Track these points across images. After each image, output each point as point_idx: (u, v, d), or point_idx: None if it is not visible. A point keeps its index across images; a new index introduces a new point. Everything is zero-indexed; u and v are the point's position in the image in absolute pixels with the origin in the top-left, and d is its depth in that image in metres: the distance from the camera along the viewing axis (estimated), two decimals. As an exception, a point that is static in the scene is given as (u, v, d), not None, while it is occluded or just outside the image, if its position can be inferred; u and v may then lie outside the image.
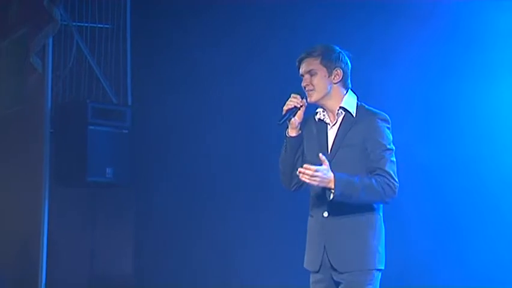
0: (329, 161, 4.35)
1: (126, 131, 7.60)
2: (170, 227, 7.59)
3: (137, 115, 7.69)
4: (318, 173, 4.22)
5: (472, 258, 6.37)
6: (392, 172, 4.34)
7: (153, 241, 7.73)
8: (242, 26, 7.21)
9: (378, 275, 4.40)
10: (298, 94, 4.45)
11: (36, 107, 7.48)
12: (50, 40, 7.49)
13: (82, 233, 7.84)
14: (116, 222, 7.90)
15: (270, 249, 7.04)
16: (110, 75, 7.88)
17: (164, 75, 7.71)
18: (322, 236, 4.41)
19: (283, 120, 4.44)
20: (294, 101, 4.44)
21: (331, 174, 4.24)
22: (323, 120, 4.51)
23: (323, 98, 4.46)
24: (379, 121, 4.41)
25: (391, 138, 4.42)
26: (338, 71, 4.45)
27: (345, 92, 4.49)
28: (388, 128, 4.43)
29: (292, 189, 4.56)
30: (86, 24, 7.86)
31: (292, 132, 4.51)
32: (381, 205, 4.45)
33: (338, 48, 4.50)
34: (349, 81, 4.51)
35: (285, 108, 4.45)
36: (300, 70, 4.49)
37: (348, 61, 4.50)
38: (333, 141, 4.45)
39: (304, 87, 4.47)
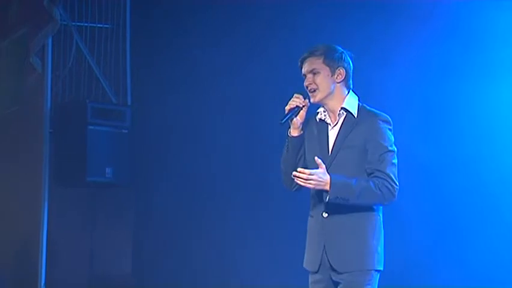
0: (329, 162, 4.37)
1: (126, 131, 7.59)
2: (170, 227, 7.59)
3: (137, 115, 7.69)
4: (313, 176, 4.24)
5: (472, 258, 6.38)
6: (392, 175, 4.34)
7: (153, 241, 7.73)
8: (242, 26, 7.20)
9: (377, 275, 4.40)
10: (301, 94, 4.45)
11: (35, 107, 7.47)
12: (50, 40, 7.48)
13: (82, 233, 7.83)
14: (116, 222, 7.89)
15: (269, 249, 7.04)
16: (109, 75, 7.87)
17: (164, 75, 7.71)
18: (322, 236, 4.41)
19: (285, 119, 4.43)
20: (296, 100, 4.43)
21: (327, 177, 4.26)
22: (324, 120, 4.51)
23: (326, 97, 4.46)
24: (381, 122, 4.41)
25: (393, 139, 4.42)
26: (341, 70, 4.45)
27: (346, 93, 4.49)
28: (390, 129, 4.43)
29: (294, 189, 4.54)
30: (85, 24, 7.85)
31: (294, 132, 4.50)
32: (381, 206, 4.46)
33: (340, 47, 4.50)
34: (351, 81, 4.51)
35: (287, 108, 4.44)
36: (303, 70, 4.49)
37: (350, 61, 4.50)
38: (334, 142, 4.45)
39: (307, 87, 4.46)
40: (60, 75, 7.74)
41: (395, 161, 4.38)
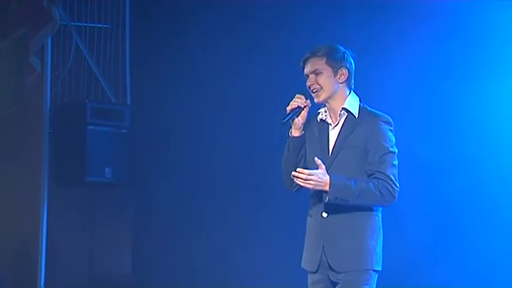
0: (329, 162, 4.37)
1: (125, 131, 7.59)
2: (170, 227, 7.58)
3: (136, 115, 7.68)
4: (312, 177, 4.25)
5: (471, 258, 6.38)
6: (392, 176, 4.34)
7: (152, 241, 7.72)
8: (242, 26, 7.20)
9: (375, 276, 4.40)
10: (302, 94, 4.44)
11: (35, 107, 7.47)
12: (49, 40, 7.48)
13: (81, 232, 7.82)
14: (116, 222, 7.89)
15: (269, 249, 7.04)
16: (109, 75, 7.87)
17: (163, 75, 7.71)
18: (321, 236, 4.41)
19: (286, 119, 4.43)
20: (298, 101, 4.43)
21: (327, 178, 4.26)
22: (325, 120, 4.51)
23: (329, 97, 4.46)
24: (382, 123, 4.41)
25: (394, 140, 4.42)
26: (343, 70, 4.45)
27: (348, 93, 4.49)
28: (391, 130, 4.43)
29: (294, 190, 4.54)
30: (85, 24, 7.85)
31: (295, 133, 4.50)
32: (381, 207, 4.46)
33: (342, 48, 4.50)
34: (353, 81, 4.51)
35: (289, 108, 4.44)
36: (305, 70, 4.48)
37: (352, 61, 4.50)
38: (335, 143, 4.44)
39: (310, 87, 4.46)
40: (59, 75, 7.74)
41: (396, 162, 4.38)
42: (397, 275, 6.16)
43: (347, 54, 4.48)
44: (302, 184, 4.28)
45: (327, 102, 4.49)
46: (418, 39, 6.66)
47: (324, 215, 4.40)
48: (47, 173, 7.40)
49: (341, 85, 4.46)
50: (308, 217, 4.54)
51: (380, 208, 4.44)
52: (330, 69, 4.43)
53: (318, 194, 4.39)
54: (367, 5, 6.77)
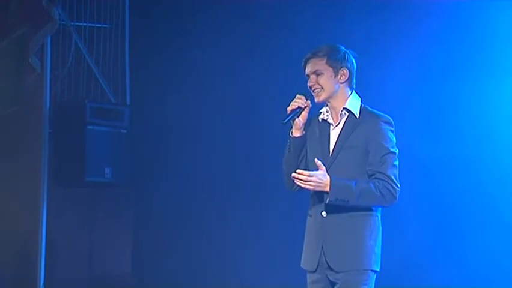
0: (330, 162, 4.37)
1: (124, 131, 7.59)
2: (170, 227, 7.58)
3: (136, 115, 7.68)
4: (312, 178, 4.25)
5: (471, 258, 6.40)
6: (393, 176, 4.34)
7: (152, 241, 7.72)
8: (242, 26, 7.20)
9: (374, 276, 4.40)
10: (303, 95, 4.45)
11: (34, 107, 7.45)
12: (49, 40, 7.46)
13: (81, 233, 7.81)
14: (115, 222, 7.88)
15: (269, 249, 7.04)
16: (108, 75, 7.86)
17: (163, 75, 7.70)
18: (320, 236, 4.41)
19: (287, 119, 4.43)
20: (298, 101, 4.43)
21: (327, 179, 4.27)
22: (326, 120, 4.51)
23: (330, 97, 4.46)
24: (382, 124, 4.41)
25: (394, 141, 4.42)
26: (344, 70, 4.45)
27: (349, 93, 4.49)
28: (391, 130, 4.43)
29: (295, 190, 4.54)
30: (84, 24, 7.83)
31: (296, 133, 4.50)
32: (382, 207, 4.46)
33: (343, 48, 4.50)
34: (354, 81, 4.51)
35: (290, 108, 4.44)
36: (306, 70, 4.48)
37: (354, 61, 4.50)
38: (335, 142, 4.44)
39: (311, 88, 4.46)
40: (59, 75, 7.73)
41: (397, 162, 4.38)
42: (397, 275, 6.17)
43: (348, 54, 4.48)
44: (302, 185, 4.29)
45: (328, 102, 4.49)
46: (418, 39, 6.67)
47: (324, 214, 4.40)
48: (46, 172, 7.39)
49: (341, 85, 4.46)
50: (308, 217, 4.54)
51: (380, 208, 4.44)
52: (330, 69, 4.43)
53: (318, 193, 4.39)
54: (367, 5, 6.77)
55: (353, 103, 4.47)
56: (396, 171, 4.37)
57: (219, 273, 7.30)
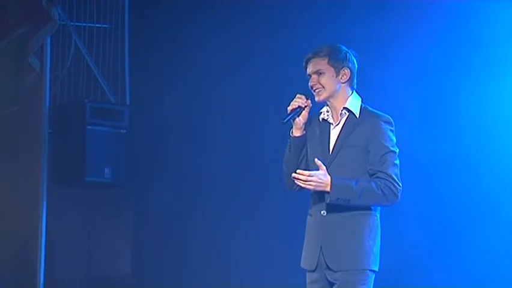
0: (330, 161, 4.38)
1: (124, 131, 7.58)
2: (169, 227, 7.58)
3: (136, 115, 7.67)
4: (312, 178, 4.26)
5: (470, 258, 6.40)
6: (394, 175, 4.35)
7: (152, 241, 7.72)
8: (242, 25, 7.20)
9: (372, 276, 4.40)
10: (304, 94, 4.45)
11: (34, 107, 7.45)
12: (48, 40, 7.46)
13: (81, 233, 7.81)
14: (115, 222, 7.87)
15: (269, 249, 7.04)
16: (108, 75, 7.85)
17: (162, 75, 7.70)
18: (320, 235, 4.42)
19: (287, 119, 4.44)
20: (298, 101, 4.44)
21: (328, 179, 4.27)
22: (326, 120, 4.52)
23: (330, 96, 4.47)
24: (382, 123, 4.42)
25: (395, 140, 4.43)
26: (346, 70, 4.46)
27: (350, 93, 4.50)
28: (392, 130, 4.44)
29: (295, 190, 4.54)
30: (84, 24, 7.82)
31: (296, 133, 4.51)
32: (383, 206, 4.46)
33: (344, 47, 4.51)
34: (355, 81, 4.52)
35: (290, 108, 4.45)
36: (307, 70, 4.49)
37: (355, 61, 4.51)
38: (335, 142, 4.45)
39: (312, 87, 4.47)
40: (59, 75, 7.72)
41: (397, 161, 4.39)
42: (397, 275, 6.17)
43: (350, 54, 4.49)
44: (303, 185, 4.29)
45: (328, 102, 4.50)
46: (418, 38, 6.67)
47: (323, 213, 4.40)
48: (46, 173, 7.39)
49: (342, 85, 4.47)
50: (308, 216, 4.55)
51: (379, 208, 4.44)
52: (332, 69, 4.44)
53: (319, 193, 4.39)
54: (367, 5, 6.78)
55: (354, 103, 4.48)
56: (397, 170, 4.37)
57: (219, 273, 7.30)
